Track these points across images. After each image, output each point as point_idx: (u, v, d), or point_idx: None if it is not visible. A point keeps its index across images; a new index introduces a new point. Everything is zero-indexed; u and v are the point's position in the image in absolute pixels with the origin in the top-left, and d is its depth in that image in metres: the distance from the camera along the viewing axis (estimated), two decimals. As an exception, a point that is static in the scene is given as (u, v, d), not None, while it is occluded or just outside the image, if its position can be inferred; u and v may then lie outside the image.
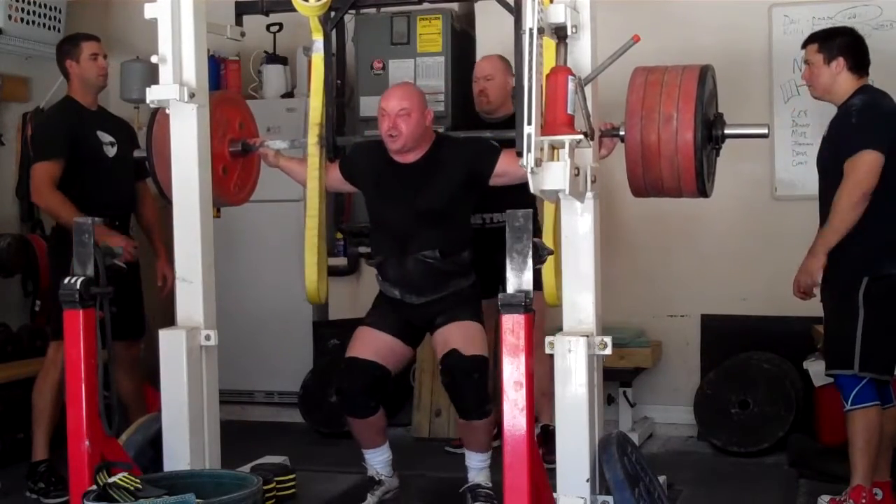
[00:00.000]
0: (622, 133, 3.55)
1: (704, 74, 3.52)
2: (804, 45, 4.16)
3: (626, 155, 3.53)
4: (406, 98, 4.06)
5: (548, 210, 3.84)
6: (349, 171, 4.34)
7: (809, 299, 4.11)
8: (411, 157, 4.15)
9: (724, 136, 3.62)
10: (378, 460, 4.28)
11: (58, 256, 4.44)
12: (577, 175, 3.19)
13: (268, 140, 4.47)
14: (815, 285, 4.04)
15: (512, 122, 4.50)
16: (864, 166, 3.86)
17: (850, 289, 3.96)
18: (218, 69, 6.09)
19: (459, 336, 4.02)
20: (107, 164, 4.67)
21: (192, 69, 3.82)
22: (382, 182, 4.20)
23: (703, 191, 3.56)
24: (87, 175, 4.57)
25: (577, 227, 3.45)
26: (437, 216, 4.05)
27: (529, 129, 3.06)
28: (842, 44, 4.06)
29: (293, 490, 4.23)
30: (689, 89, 3.46)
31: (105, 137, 4.70)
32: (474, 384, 3.92)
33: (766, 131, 3.79)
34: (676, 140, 3.42)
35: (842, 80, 4.05)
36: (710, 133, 3.57)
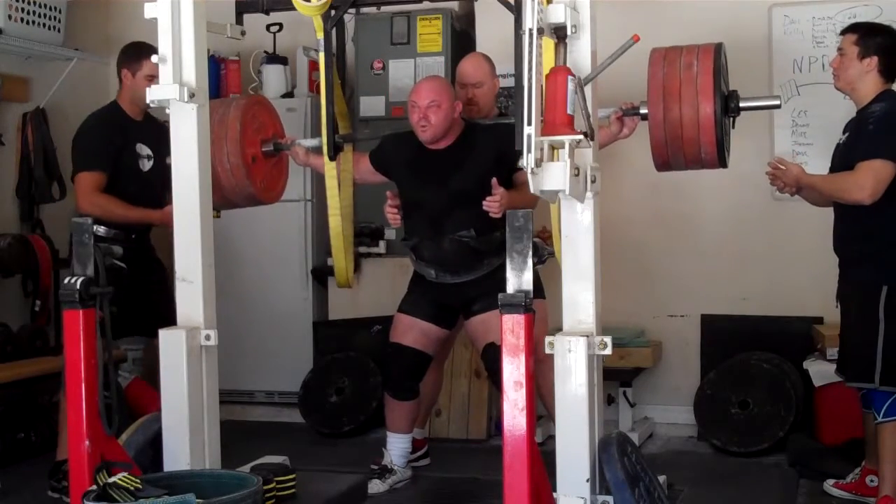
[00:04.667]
0: (643, 111, 3.74)
1: (719, 51, 3.70)
2: (843, 32, 4.12)
3: (651, 130, 3.69)
4: (435, 91, 4.25)
5: (554, 211, 3.86)
6: (380, 162, 4.53)
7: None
8: (442, 144, 4.34)
9: (740, 109, 3.78)
10: (398, 447, 4.55)
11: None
12: (577, 175, 3.19)
13: (298, 139, 4.65)
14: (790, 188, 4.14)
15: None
16: (873, 175, 3.83)
17: (870, 299, 3.96)
18: (218, 69, 6.09)
19: (497, 326, 4.09)
20: (140, 180, 4.71)
21: (192, 69, 3.81)
22: (416, 168, 4.38)
23: (723, 161, 3.73)
24: (120, 190, 4.60)
25: (576, 226, 3.45)
26: (470, 197, 4.19)
27: (529, 130, 3.06)
28: (881, 43, 4.02)
29: (293, 490, 4.23)
30: (707, 65, 3.63)
31: (143, 150, 4.73)
32: None
33: (777, 102, 3.99)
34: (698, 113, 3.60)
35: (869, 80, 4.01)
36: (727, 105, 3.72)
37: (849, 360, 4.11)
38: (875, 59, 3.99)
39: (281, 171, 4.71)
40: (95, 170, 4.56)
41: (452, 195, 4.28)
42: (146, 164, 4.73)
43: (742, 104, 3.77)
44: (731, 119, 3.81)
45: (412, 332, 4.42)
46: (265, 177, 4.54)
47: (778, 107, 4.03)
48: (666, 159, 3.73)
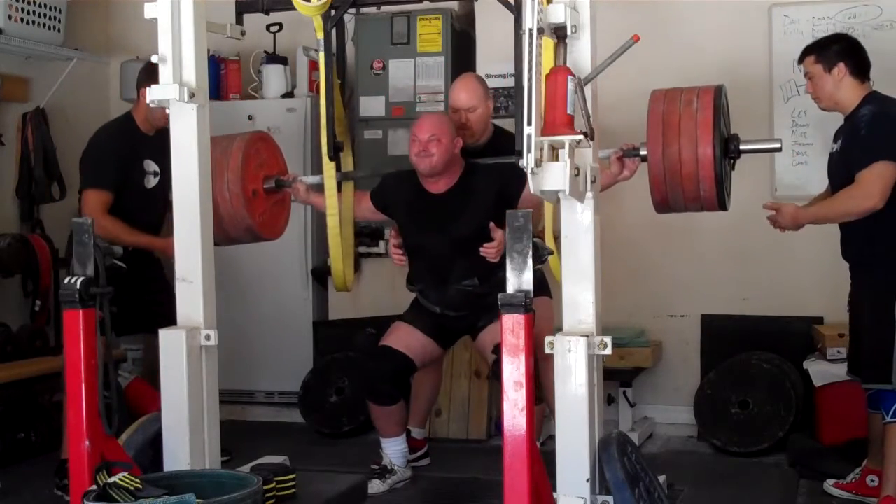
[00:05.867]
0: (643, 153, 3.68)
1: (719, 91, 3.66)
2: (801, 59, 4.12)
3: (650, 173, 3.65)
4: (436, 125, 4.26)
5: (548, 210, 3.86)
6: (381, 202, 4.53)
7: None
8: (442, 186, 4.33)
9: (740, 152, 3.75)
10: (393, 450, 4.55)
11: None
12: (577, 175, 3.19)
13: (300, 176, 4.62)
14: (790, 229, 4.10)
15: (493, 147, 4.50)
16: (878, 180, 3.81)
17: (884, 301, 3.93)
18: (218, 69, 6.09)
19: None
20: (143, 196, 4.75)
21: (192, 69, 3.81)
22: (416, 212, 4.38)
23: (722, 201, 3.70)
24: (121, 206, 4.64)
25: (576, 226, 3.45)
26: (472, 244, 4.17)
27: (529, 130, 3.05)
28: (839, 49, 4.02)
29: (293, 490, 4.23)
30: (707, 101, 3.60)
31: (150, 167, 4.76)
32: None
33: (778, 146, 3.94)
34: (697, 156, 3.55)
35: (846, 87, 4.00)
36: (728, 148, 3.69)
37: (864, 361, 4.08)
38: (841, 64, 3.99)
39: (283, 210, 4.65)
40: (103, 189, 4.62)
41: (454, 242, 4.29)
42: (151, 181, 4.78)
43: (742, 146, 3.75)
44: (732, 161, 3.78)
45: (406, 339, 4.42)
46: (265, 212, 4.47)
47: (779, 150, 3.99)
48: (665, 196, 3.69)
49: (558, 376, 3.34)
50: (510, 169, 4.16)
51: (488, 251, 4.12)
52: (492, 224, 4.10)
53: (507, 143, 4.29)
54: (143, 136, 4.74)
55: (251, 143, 4.39)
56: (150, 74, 4.60)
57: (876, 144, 3.86)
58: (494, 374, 4.26)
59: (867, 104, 3.97)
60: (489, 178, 4.29)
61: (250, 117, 5.95)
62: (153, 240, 4.71)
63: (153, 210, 4.77)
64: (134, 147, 4.72)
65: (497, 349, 4.23)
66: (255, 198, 4.37)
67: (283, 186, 4.51)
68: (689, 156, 3.57)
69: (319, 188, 4.49)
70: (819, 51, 4.05)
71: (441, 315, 4.45)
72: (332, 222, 4.46)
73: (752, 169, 5.14)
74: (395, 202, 4.48)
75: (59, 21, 5.84)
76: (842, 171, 3.99)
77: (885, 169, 3.82)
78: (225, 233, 4.26)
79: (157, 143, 4.70)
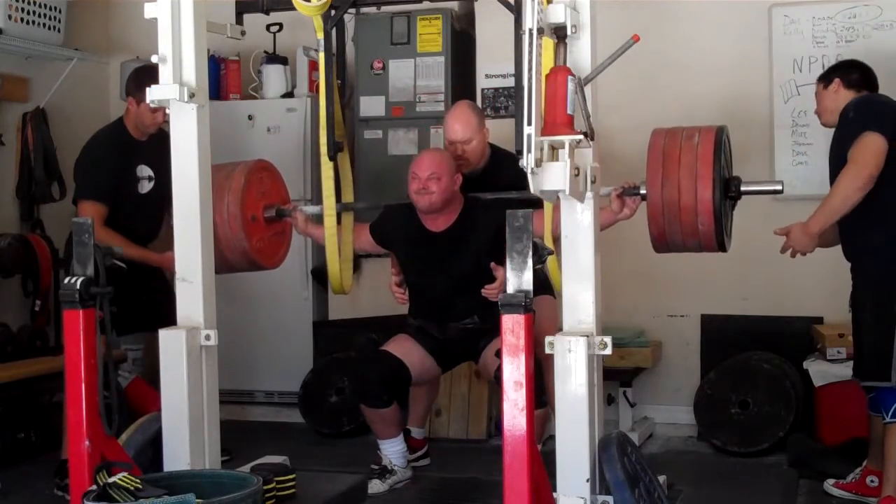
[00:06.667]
0: (643, 192, 3.68)
1: (721, 131, 3.67)
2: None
3: (649, 213, 3.65)
4: (436, 163, 4.26)
5: (547, 210, 3.86)
6: (381, 237, 4.53)
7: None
8: (442, 224, 4.33)
9: (741, 192, 3.76)
10: (391, 450, 4.54)
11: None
12: (577, 175, 3.19)
13: (300, 205, 4.59)
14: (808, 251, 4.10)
15: (491, 170, 4.49)
16: (868, 148, 3.87)
17: (886, 298, 3.95)
18: (218, 69, 6.09)
19: None
20: (138, 202, 4.76)
21: (192, 69, 3.80)
22: (416, 251, 4.39)
23: (722, 245, 3.71)
24: (116, 211, 4.66)
25: (576, 226, 3.45)
26: (472, 283, 4.18)
27: (529, 130, 3.05)
28: (841, 72, 4.21)
29: (293, 490, 4.23)
30: (707, 142, 3.60)
31: (144, 172, 4.77)
32: None
33: (780, 187, 3.94)
34: (696, 188, 3.55)
35: (840, 97, 4.14)
36: (728, 190, 3.69)
37: (863, 358, 4.09)
38: (837, 80, 4.18)
39: (283, 240, 4.62)
40: (98, 201, 4.63)
41: (454, 282, 4.30)
42: (145, 186, 4.79)
43: (744, 188, 3.75)
44: (732, 203, 3.79)
45: (406, 349, 4.43)
46: (262, 238, 4.43)
47: (780, 192, 3.99)
48: (662, 231, 3.66)
49: (558, 376, 3.34)
50: (511, 205, 4.15)
51: (489, 292, 4.10)
52: (493, 264, 4.06)
53: (505, 164, 4.28)
54: (135, 141, 4.75)
55: (254, 170, 4.39)
56: (138, 83, 4.63)
57: (862, 120, 3.95)
58: (496, 380, 4.26)
59: (855, 98, 4.11)
60: (489, 215, 4.23)
61: (250, 117, 5.97)
62: (149, 254, 4.72)
63: (148, 215, 4.79)
64: (127, 154, 4.73)
65: (500, 353, 4.24)
66: (253, 223, 4.35)
67: (284, 215, 4.49)
68: (687, 185, 3.56)
69: (319, 219, 4.46)
70: (824, 76, 4.27)
71: (444, 340, 4.48)
72: (329, 223, 4.41)
73: (752, 169, 5.14)
74: (395, 239, 4.49)
75: (59, 21, 5.84)
76: (838, 158, 4.03)
77: (874, 138, 3.88)
78: (222, 256, 4.20)
79: (150, 147, 4.72)
